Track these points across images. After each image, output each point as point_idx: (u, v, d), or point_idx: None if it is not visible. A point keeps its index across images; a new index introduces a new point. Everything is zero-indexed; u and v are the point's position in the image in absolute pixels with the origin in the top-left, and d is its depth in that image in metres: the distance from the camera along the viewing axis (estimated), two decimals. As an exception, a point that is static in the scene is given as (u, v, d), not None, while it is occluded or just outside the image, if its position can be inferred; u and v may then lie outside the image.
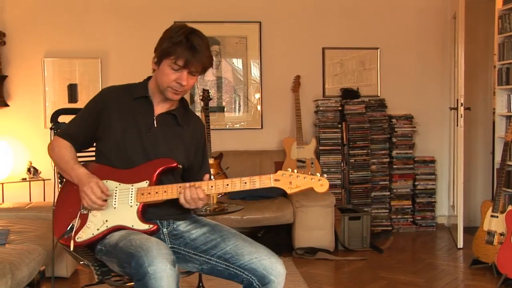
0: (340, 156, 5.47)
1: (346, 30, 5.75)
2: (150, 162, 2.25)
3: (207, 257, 2.21)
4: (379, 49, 5.77)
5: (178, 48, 2.15)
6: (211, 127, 5.13)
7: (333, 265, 4.47)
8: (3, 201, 4.94)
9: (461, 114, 4.79)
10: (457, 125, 4.90)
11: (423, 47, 5.84)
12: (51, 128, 2.55)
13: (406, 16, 5.82)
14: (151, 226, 2.17)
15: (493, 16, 5.26)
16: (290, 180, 2.12)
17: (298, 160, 5.30)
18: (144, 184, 2.20)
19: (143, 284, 1.87)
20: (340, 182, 5.45)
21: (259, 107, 5.67)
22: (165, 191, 2.17)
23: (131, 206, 2.19)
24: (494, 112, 5.22)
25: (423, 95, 5.85)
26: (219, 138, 5.42)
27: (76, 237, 2.18)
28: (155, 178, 2.21)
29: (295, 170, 2.15)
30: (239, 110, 5.67)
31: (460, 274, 4.20)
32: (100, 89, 5.43)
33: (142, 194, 2.19)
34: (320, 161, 5.40)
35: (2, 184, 5.02)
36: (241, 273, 2.12)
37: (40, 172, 5.08)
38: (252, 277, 2.10)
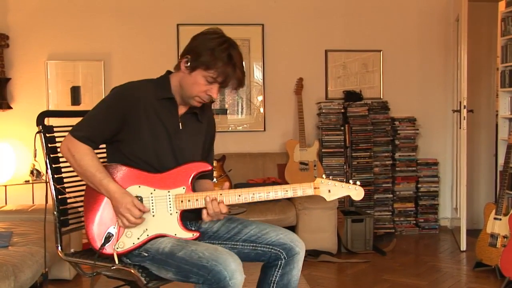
0: (343, 158, 5.46)
1: (349, 33, 5.75)
2: (184, 166, 2.20)
3: (232, 243, 2.29)
4: (382, 52, 5.77)
5: (219, 63, 2.12)
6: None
7: (336, 267, 4.46)
8: (6, 203, 4.94)
9: (464, 117, 4.78)
10: (460, 128, 4.90)
11: (426, 50, 5.84)
12: (39, 132, 2.38)
13: (408, 19, 5.82)
14: (194, 234, 2.16)
15: (496, 19, 5.26)
16: (329, 189, 2.16)
17: (301, 163, 5.30)
18: (181, 190, 2.16)
19: None
20: (343, 185, 5.43)
21: (261, 110, 5.67)
22: (197, 200, 2.15)
23: (171, 214, 2.15)
24: (497, 115, 5.21)
25: (426, 98, 5.84)
26: (221, 141, 5.41)
27: (116, 246, 2.13)
28: (191, 183, 2.17)
29: (330, 177, 2.18)
30: (241, 113, 5.67)
31: (463, 276, 4.19)
32: (103, 91, 5.46)
33: (182, 201, 2.15)
34: (323, 163, 5.40)
35: (5, 186, 5.03)
36: (269, 250, 2.24)
37: (43, 175, 5.09)
38: (281, 250, 2.23)
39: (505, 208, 4.09)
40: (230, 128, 5.64)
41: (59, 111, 2.71)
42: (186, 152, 2.27)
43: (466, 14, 4.81)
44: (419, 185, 5.62)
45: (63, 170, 2.44)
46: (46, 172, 2.39)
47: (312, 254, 4.64)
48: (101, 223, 2.16)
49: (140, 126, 2.19)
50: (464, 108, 4.79)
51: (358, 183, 2.16)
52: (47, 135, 2.42)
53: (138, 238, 2.13)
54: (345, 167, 5.46)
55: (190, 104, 2.26)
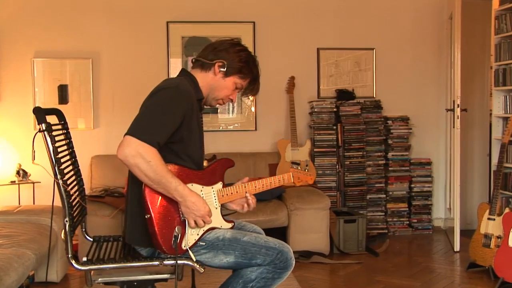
0: (335, 158, 5.47)
1: (341, 31, 5.75)
2: (216, 163, 2.45)
3: None
4: (374, 50, 5.78)
5: (252, 75, 2.50)
6: (204, 128, 5.08)
7: (328, 268, 4.46)
8: (-9, 204, 4.91)
9: (458, 116, 4.80)
10: (454, 127, 4.91)
11: (419, 48, 5.85)
12: (43, 131, 2.23)
13: (402, 16, 5.83)
14: (232, 224, 2.44)
15: (489, 17, 5.28)
16: (299, 176, 2.62)
17: (293, 162, 5.29)
18: (219, 185, 2.43)
19: (285, 272, 2.37)
20: (335, 185, 5.45)
21: (253, 109, 5.66)
22: (237, 192, 2.45)
23: (216, 208, 2.39)
24: (490, 114, 5.23)
25: (419, 96, 5.86)
26: (212, 140, 5.41)
27: (184, 244, 2.28)
28: (224, 178, 2.45)
29: (294, 166, 2.70)
30: (232, 112, 5.66)
31: (457, 277, 4.20)
32: (92, 90, 5.40)
33: (223, 196, 2.42)
34: (315, 163, 5.40)
35: (-9, 187, 4.99)
36: None
37: (30, 175, 5.05)
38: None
39: (498, 208, 4.11)
40: (220, 128, 5.63)
41: (55, 109, 2.60)
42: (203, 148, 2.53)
43: (459, 11, 4.83)
44: (412, 185, 5.63)
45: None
46: (55, 176, 2.27)
47: (304, 255, 4.64)
48: (170, 226, 2.24)
49: (193, 126, 2.33)
50: (458, 107, 4.80)
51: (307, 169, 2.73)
52: (53, 133, 2.29)
53: (198, 234, 2.32)
54: (337, 167, 5.46)
55: (211, 105, 2.52)
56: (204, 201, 2.28)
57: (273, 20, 5.66)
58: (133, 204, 2.33)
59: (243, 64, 2.44)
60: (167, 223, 2.23)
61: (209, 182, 2.39)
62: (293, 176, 2.59)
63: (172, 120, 2.20)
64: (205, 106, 2.53)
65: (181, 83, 2.29)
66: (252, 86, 2.54)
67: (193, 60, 2.49)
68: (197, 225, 2.28)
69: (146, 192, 2.20)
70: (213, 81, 2.43)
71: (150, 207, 2.20)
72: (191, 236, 2.30)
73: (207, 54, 2.44)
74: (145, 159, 2.10)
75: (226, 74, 2.42)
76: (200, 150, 2.45)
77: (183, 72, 2.47)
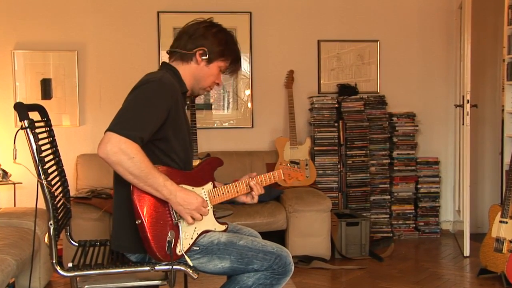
0: (337, 157, 5.46)
1: (343, 21, 5.74)
2: (205, 163, 2.46)
3: None
4: (379, 42, 5.77)
5: (233, 54, 2.49)
6: (198, 125, 5.10)
7: (329, 274, 4.46)
8: (-31, 207, 4.89)
9: (467, 112, 4.80)
10: (463, 124, 4.91)
11: (427, 40, 5.85)
12: (25, 128, 2.22)
13: (408, 6, 5.82)
14: (226, 226, 2.45)
15: (502, 6, 5.26)
16: (289, 173, 2.68)
17: (292, 162, 5.27)
18: (210, 186, 2.43)
19: (284, 278, 2.40)
20: (337, 185, 5.45)
21: (249, 105, 5.65)
22: (228, 192, 2.47)
23: (208, 210, 2.37)
24: (503, 110, 5.23)
25: (426, 92, 5.86)
26: (206, 138, 5.40)
27: (178, 250, 2.27)
28: (214, 178, 2.46)
29: (284, 163, 2.76)
30: (227, 108, 5.65)
31: (467, 284, 4.21)
32: (77, 84, 5.36)
33: (214, 196, 2.42)
34: (315, 162, 5.40)
35: (-31, 188, 4.97)
36: None
37: (10, 175, 5.02)
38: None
39: (511, 211, 4.11)
40: (215, 125, 5.61)
41: (37, 105, 2.59)
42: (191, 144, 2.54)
43: (470, 0, 4.82)
44: (418, 186, 5.63)
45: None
46: (38, 176, 2.26)
47: (303, 260, 4.64)
48: (162, 230, 2.22)
49: (179, 122, 2.33)
50: (467, 102, 4.80)
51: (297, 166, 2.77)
52: (36, 131, 2.28)
53: (192, 238, 2.32)
54: (339, 166, 5.46)
55: (198, 94, 2.60)
56: (195, 193, 2.28)
57: (271, 10, 5.65)
58: (120, 207, 2.32)
59: (223, 46, 2.45)
60: (159, 227, 2.21)
61: (199, 183, 2.38)
62: (283, 173, 2.65)
63: (156, 115, 2.19)
64: (192, 96, 2.61)
65: (164, 76, 2.29)
66: (234, 65, 2.54)
67: (169, 51, 2.50)
68: (194, 219, 2.27)
69: (135, 196, 2.17)
70: (197, 70, 2.44)
71: (140, 211, 2.17)
72: (185, 240, 2.29)
73: (184, 44, 2.43)
74: (128, 155, 2.08)
75: (209, 61, 2.43)
76: (189, 147, 2.45)
77: (165, 65, 2.48)
